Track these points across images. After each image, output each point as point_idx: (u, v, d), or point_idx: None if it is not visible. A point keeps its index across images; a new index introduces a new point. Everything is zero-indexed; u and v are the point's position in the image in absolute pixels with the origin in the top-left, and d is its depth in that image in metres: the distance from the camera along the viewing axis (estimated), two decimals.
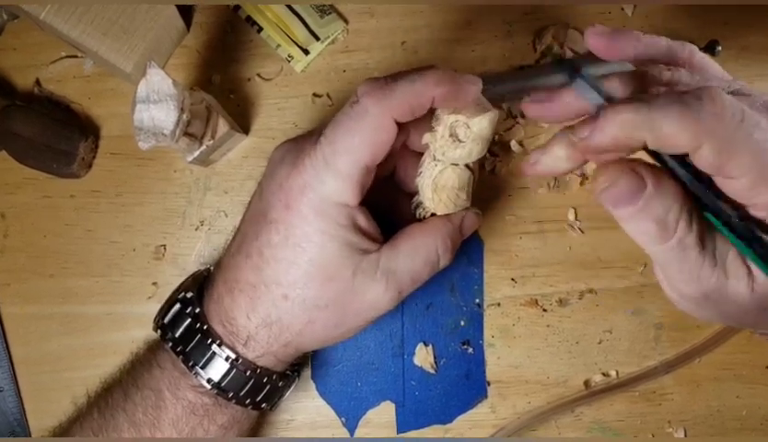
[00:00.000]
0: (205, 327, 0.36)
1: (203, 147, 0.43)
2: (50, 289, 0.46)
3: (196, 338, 0.36)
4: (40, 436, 0.45)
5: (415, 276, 0.35)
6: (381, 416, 0.46)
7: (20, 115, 0.45)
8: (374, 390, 0.46)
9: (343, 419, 0.46)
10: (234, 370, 0.35)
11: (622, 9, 0.48)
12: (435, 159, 0.35)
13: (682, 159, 0.28)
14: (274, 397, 0.38)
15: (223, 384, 0.36)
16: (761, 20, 0.48)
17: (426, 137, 0.34)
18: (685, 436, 0.46)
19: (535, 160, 0.31)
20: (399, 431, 0.46)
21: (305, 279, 0.34)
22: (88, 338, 0.46)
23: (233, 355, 0.35)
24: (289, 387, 0.40)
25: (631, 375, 0.46)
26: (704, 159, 0.26)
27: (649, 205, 0.27)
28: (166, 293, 0.46)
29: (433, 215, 0.37)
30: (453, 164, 0.34)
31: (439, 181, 0.35)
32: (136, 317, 0.46)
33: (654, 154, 0.28)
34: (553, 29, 0.47)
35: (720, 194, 0.27)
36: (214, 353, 0.35)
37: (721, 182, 0.27)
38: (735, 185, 0.26)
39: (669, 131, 0.26)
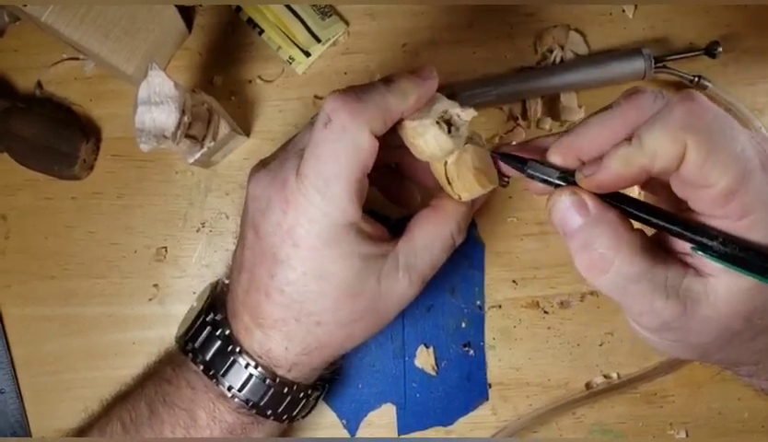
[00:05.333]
0: (238, 349, 0.35)
1: (205, 149, 0.43)
2: (51, 291, 0.46)
3: (230, 361, 0.35)
4: (41, 437, 0.45)
5: (435, 263, 0.36)
6: (382, 418, 0.46)
7: (21, 117, 0.45)
8: (375, 392, 0.46)
9: (344, 421, 0.46)
10: (272, 390, 0.36)
11: (623, 11, 0.48)
12: (440, 156, 0.33)
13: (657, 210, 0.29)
14: (308, 407, 0.39)
15: (262, 404, 0.36)
16: (762, 23, 0.48)
17: (422, 149, 0.32)
18: (687, 437, 0.46)
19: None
20: (400, 433, 0.46)
21: (334, 304, 0.34)
22: (89, 339, 0.46)
23: (270, 377, 0.35)
24: (322, 395, 0.40)
25: (632, 376, 0.46)
26: (689, 164, 0.26)
27: (589, 234, 0.29)
28: (167, 295, 0.46)
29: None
30: (465, 145, 0.33)
31: (460, 168, 0.33)
32: (137, 318, 0.46)
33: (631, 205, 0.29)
34: (554, 30, 0.47)
35: (699, 227, 0.28)
36: (251, 375, 0.35)
37: (697, 198, 0.27)
38: (711, 194, 0.27)
39: (655, 146, 0.26)
